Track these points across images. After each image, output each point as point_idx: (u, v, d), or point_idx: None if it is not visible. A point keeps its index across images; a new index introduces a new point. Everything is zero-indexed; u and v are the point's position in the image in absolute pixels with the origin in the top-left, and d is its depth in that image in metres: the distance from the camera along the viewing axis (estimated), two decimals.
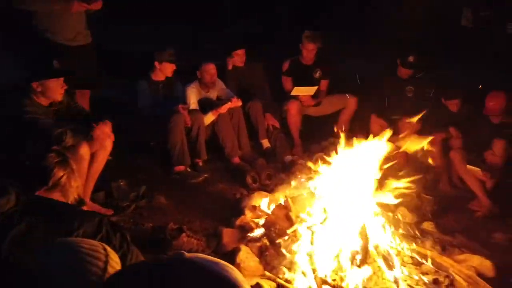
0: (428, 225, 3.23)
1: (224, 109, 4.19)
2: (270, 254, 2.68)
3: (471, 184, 3.84)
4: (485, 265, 2.69)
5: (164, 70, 4.10)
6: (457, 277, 2.50)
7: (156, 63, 4.08)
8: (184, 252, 0.57)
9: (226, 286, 0.50)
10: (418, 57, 4.41)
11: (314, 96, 4.74)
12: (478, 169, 3.72)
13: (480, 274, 2.65)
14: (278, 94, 4.86)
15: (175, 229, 2.86)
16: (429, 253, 2.69)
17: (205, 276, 0.50)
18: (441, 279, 2.59)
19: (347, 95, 4.70)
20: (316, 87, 4.65)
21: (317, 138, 4.67)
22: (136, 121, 3.94)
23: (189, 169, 4.02)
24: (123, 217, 3.22)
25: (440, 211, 3.66)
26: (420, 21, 4.43)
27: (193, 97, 4.25)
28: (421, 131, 4.38)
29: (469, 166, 3.79)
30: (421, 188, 3.91)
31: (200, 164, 4.14)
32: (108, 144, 3.08)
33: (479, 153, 3.85)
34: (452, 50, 4.61)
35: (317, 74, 4.74)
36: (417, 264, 2.73)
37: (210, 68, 4.30)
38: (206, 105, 4.31)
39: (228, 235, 2.87)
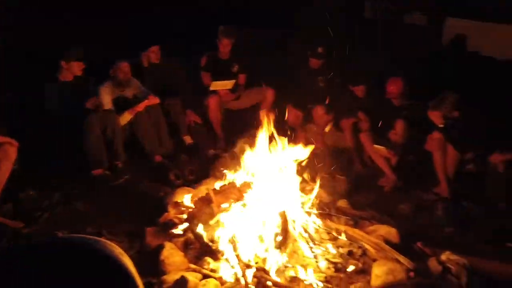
0: (342, 203, 3.48)
1: (141, 107, 4.10)
2: (195, 247, 2.71)
3: (379, 162, 4.20)
4: (391, 233, 2.98)
5: (72, 69, 3.90)
6: (367, 246, 2.75)
7: (63, 63, 3.87)
8: (59, 233, 0.58)
9: (99, 258, 0.53)
10: (326, 47, 4.69)
11: (234, 90, 4.82)
12: (383, 147, 4.08)
13: (387, 241, 2.93)
14: (203, 89, 4.86)
15: (93, 234, 2.76)
16: (343, 228, 2.91)
17: (77, 251, 0.52)
18: (355, 250, 2.83)
19: (264, 87, 4.86)
20: (233, 81, 4.74)
21: (240, 131, 4.77)
22: (44, 125, 3.71)
23: (107, 172, 3.88)
24: (36, 228, 3.03)
25: (353, 189, 3.97)
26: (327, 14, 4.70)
27: (106, 97, 4.09)
28: (334, 118, 4.71)
29: (375, 146, 4.14)
30: (336, 169, 4.23)
31: (120, 165, 4.02)
32: (11, 152, 2.87)
33: (383, 133, 4.23)
34: (357, 41, 4.96)
35: (235, 69, 4.83)
36: (333, 239, 2.95)
37: (124, 66, 4.18)
38: (121, 105, 4.18)
39: (151, 234, 2.84)
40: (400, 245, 2.93)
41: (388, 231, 3.01)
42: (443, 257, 2.66)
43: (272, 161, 2.94)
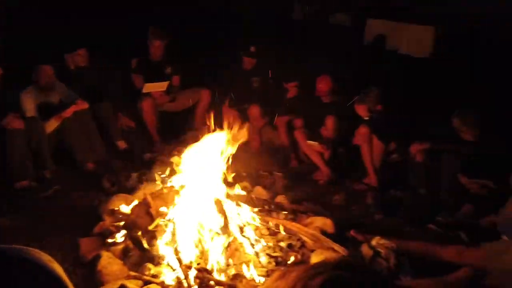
0: (280, 198, 3.59)
1: (68, 113, 3.89)
2: (134, 254, 2.64)
3: (313, 157, 4.39)
4: (327, 223, 3.13)
5: None
6: (304, 238, 2.87)
7: None
8: None
9: (26, 265, 0.52)
10: (258, 47, 4.79)
11: (168, 92, 4.75)
12: (316, 143, 4.27)
13: (323, 232, 3.08)
14: (136, 92, 4.71)
15: None
16: (281, 222, 3.00)
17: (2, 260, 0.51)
18: (294, 243, 2.94)
19: (200, 88, 4.85)
20: (167, 83, 4.67)
21: (176, 133, 4.72)
22: None
23: (34, 183, 3.63)
24: None
25: (291, 184, 4.12)
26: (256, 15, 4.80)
27: (29, 103, 3.83)
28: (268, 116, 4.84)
29: (309, 142, 4.32)
30: (274, 167, 4.35)
31: (48, 175, 3.78)
32: None
33: (315, 129, 4.43)
34: (286, 41, 5.13)
35: (168, 70, 4.76)
36: (273, 234, 3.04)
37: (46, 70, 3.93)
38: (47, 111, 3.93)
39: (86, 245, 2.72)
40: (335, 234, 3.09)
41: (324, 222, 3.16)
42: (374, 242, 2.85)
43: (209, 162, 2.95)
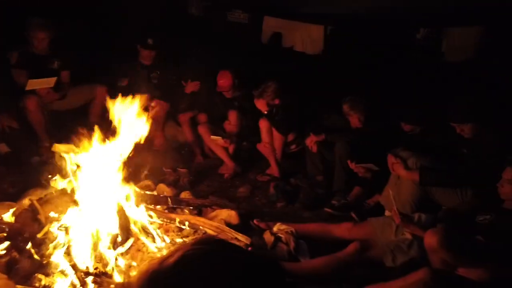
0: (185, 194, 3.56)
1: None
2: (22, 266, 2.40)
3: (217, 151, 4.44)
4: (231, 215, 3.20)
5: None
6: (209, 231, 2.89)
7: None
8: None
9: None
10: (156, 38, 4.64)
11: (57, 89, 4.37)
12: (220, 138, 4.32)
13: (228, 224, 3.14)
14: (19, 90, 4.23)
15: None
16: (185, 218, 2.99)
17: None
18: (199, 237, 2.95)
19: (94, 85, 4.55)
20: (54, 79, 4.28)
21: (69, 133, 4.36)
22: None
23: None
24: None
25: (196, 180, 4.12)
26: (149, 9, 4.65)
27: None
28: (173, 113, 4.76)
29: (213, 137, 4.36)
30: (178, 163, 4.30)
31: None
32: None
33: (219, 124, 4.49)
34: (184, 36, 5.07)
35: (55, 65, 4.38)
36: (179, 230, 3.01)
37: None
38: None
39: None
40: (240, 225, 3.18)
41: (228, 214, 3.22)
42: (275, 228, 2.99)
43: (106, 161, 2.80)
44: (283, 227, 2.99)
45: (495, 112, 3.02)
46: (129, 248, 2.62)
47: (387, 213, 3.21)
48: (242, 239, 2.81)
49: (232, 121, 4.44)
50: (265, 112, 4.14)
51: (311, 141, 3.93)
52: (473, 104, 2.88)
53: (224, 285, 0.67)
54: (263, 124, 4.23)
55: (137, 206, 2.81)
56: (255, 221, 3.18)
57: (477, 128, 2.87)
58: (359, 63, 5.13)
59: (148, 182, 3.57)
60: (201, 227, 2.93)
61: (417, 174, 3.00)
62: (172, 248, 2.55)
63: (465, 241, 2.30)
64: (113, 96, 2.79)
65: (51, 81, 4.24)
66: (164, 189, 3.53)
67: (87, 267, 2.35)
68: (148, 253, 2.70)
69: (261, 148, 4.32)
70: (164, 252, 2.68)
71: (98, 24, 4.73)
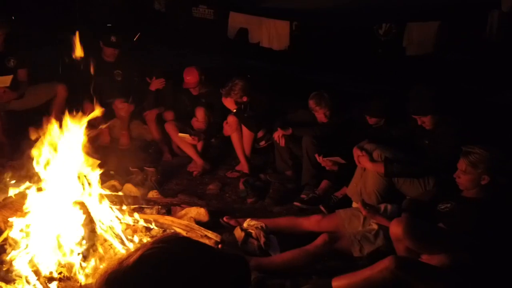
0: (153, 194, 3.51)
1: None
2: None
3: (186, 149, 4.39)
4: (201, 213, 3.18)
5: None
6: (178, 230, 2.85)
7: None
8: None
9: None
10: (120, 36, 4.52)
11: (14, 88, 4.17)
12: (188, 135, 4.27)
13: (198, 221, 3.11)
14: None
15: None
16: (153, 217, 2.94)
17: None
18: None
19: (54, 83, 4.38)
20: (10, 77, 4.09)
21: (27, 134, 4.18)
22: None
23: None
24: None
25: (164, 179, 4.05)
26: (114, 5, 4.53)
27: None
28: (139, 111, 4.65)
29: (180, 134, 4.30)
30: (145, 162, 4.21)
31: None
32: None
33: (186, 121, 4.43)
34: (150, 32, 4.98)
35: (11, 63, 4.18)
36: (147, 230, 2.95)
37: None
38: None
39: None
40: (209, 222, 3.16)
41: (197, 212, 3.20)
42: (245, 224, 3.00)
43: (68, 163, 2.70)
44: (253, 222, 3.00)
45: (453, 104, 3.14)
46: (95, 251, 2.55)
47: (354, 204, 3.29)
48: (212, 236, 2.79)
49: (199, 118, 4.39)
50: (234, 110, 4.12)
51: (278, 136, 3.95)
52: (432, 97, 2.98)
53: (184, 282, 0.66)
54: (232, 121, 4.21)
55: (103, 207, 2.73)
56: (224, 219, 3.17)
57: (436, 119, 2.98)
58: (324, 59, 5.21)
59: (114, 182, 3.49)
60: (170, 226, 2.88)
61: (382, 166, 3.08)
62: (132, 248, 2.51)
63: (427, 229, 2.39)
64: (73, 95, 2.70)
65: (7, 80, 4.04)
66: (131, 189, 3.46)
67: (50, 272, 2.26)
68: (116, 255, 2.63)
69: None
70: None
71: (58, 20, 4.56)
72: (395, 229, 2.33)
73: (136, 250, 0.72)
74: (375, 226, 2.73)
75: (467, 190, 2.48)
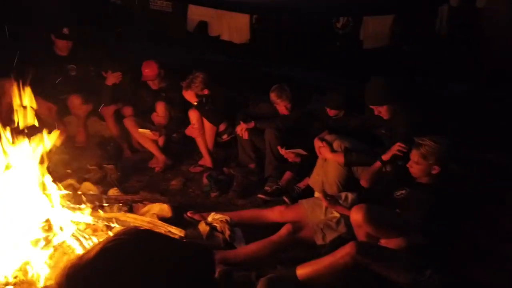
0: (113, 191, 3.41)
1: None
2: None
3: (147, 145, 4.29)
4: (164, 209, 3.13)
5: None
6: (141, 227, 2.80)
7: None
8: None
9: None
10: (73, 28, 4.33)
11: None
12: (148, 130, 4.18)
13: (161, 218, 3.07)
14: None
15: None
16: (114, 215, 2.86)
17: None
18: None
19: (2, 79, 4.12)
20: None
21: None
22: None
23: None
24: None
25: (125, 175, 3.95)
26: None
27: None
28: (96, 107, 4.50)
29: (140, 130, 4.20)
30: (104, 160, 4.09)
31: None
32: None
33: (146, 117, 4.34)
34: (104, 25, 4.81)
35: None
36: (108, 229, 2.87)
37: None
38: None
39: None
40: (173, 218, 3.13)
41: (161, 208, 3.15)
42: (209, 218, 2.98)
43: (20, 163, 2.57)
44: (218, 216, 2.99)
45: (407, 95, 3.28)
46: (53, 252, 2.45)
47: (316, 194, 3.36)
48: (176, 232, 2.76)
49: (160, 112, 4.31)
50: (195, 103, 4.08)
51: (241, 129, 3.95)
52: (388, 88, 3.09)
53: (146, 273, 0.65)
54: (193, 115, 4.17)
55: (60, 206, 2.63)
56: (188, 214, 3.14)
57: (392, 109, 3.10)
58: (284, 52, 5.26)
59: (71, 181, 3.36)
60: (132, 223, 2.82)
61: (341, 156, 3.16)
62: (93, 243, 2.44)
63: (385, 215, 2.48)
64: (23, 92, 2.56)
65: None
66: (90, 188, 3.35)
67: (5, 277, 2.16)
68: (75, 255, 2.55)
69: (190, 131, 4.23)
70: None
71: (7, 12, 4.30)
72: (356, 216, 2.41)
73: (97, 244, 0.70)
74: (336, 214, 2.80)
75: (420, 178, 2.61)
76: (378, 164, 2.96)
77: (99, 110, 4.41)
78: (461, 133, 3.67)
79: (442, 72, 5.22)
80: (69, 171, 3.57)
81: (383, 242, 2.34)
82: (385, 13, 5.20)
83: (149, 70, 4.26)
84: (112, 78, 4.35)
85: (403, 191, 2.61)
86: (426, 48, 5.29)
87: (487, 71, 4.29)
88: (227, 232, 2.87)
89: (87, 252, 0.67)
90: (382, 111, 3.12)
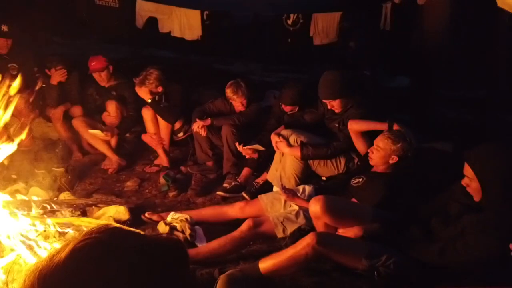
0: (65, 196, 3.27)
1: None
2: None
3: (98, 146, 4.13)
4: (120, 211, 3.05)
5: None
6: None
7: None
8: None
9: None
10: (13, 25, 4.07)
11: None
12: (99, 131, 4.02)
13: (118, 220, 2.98)
14: None
15: None
16: (66, 220, 2.74)
17: None
18: None
19: None
20: None
21: None
22: None
23: None
24: None
25: (76, 179, 3.79)
26: None
27: None
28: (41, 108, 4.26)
29: (90, 131, 4.03)
30: (53, 163, 3.89)
31: None
32: None
33: (97, 117, 4.17)
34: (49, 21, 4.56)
35: None
36: (62, 234, 2.74)
37: None
38: None
39: None
40: (131, 220, 3.05)
41: (117, 210, 3.06)
42: (168, 218, 2.94)
43: None
44: (177, 215, 2.96)
45: (358, 89, 3.41)
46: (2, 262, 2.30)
47: (275, 189, 3.41)
48: None
49: (111, 112, 4.16)
50: (148, 101, 3.97)
51: (198, 126, 3.91)
52: (340, 82, 3.20)
53: (122, 271, 0.64)
54: (147, 113, 4.07)
55: (6, 215, 2.47)
56: (146, 215, 3.08)
57: (345, 103, 3.21)
58: (236, 48, 5.27)
59: (17, 187, 3.17)
60: (87, 228, 2.71)
61: (298, 150, 3.23)
62: (61, 243, 2.33)
63: (342, 205, 2.58)
64: None
65: None
66: (39, 193, 3.19)
67: None
68: (26, 264, 2.41)
69: (147, 139, 4.15)
70: None
71: None
72: (314, 207, 2.48)
73: (66, 244, 0.67)
74: (295, 207, 2.87)
75: (377, 167, 2.74)
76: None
77: (45, 111, 4.17)
78: (407, 123, 3.89)
79: (387, 66, 5.48)
80: (14, 176, 3.36)
81: (341, 231, 2.42)
82: (333, 10, 5.36)
83: (97, 63, 4.09)
84: (57, 76, 4.13)
85: (360, 179, 2.73)
86: (372, 43, 5.53)
87: (426, 65, 4.55)
88: (188, 231, 2.85)
89: (57, 252, 0.65)
90: (335, 105, 3.23)
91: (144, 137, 4.17)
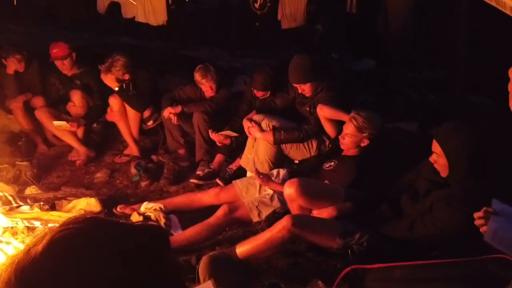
0: (31, 190, 3.16)
1: None
2: None
3: (64, 137, 3.99)
4: (91, 203, 2.97)
5: None
6: None
7: None
8: None
9: None
10: None
11: None
12: (64, 122, 3.87)
13: (90, 213, 2.91)
14: None
15: None
16: (35, 215, 2.66)
17: None
18: None
19: None
20: None
21: None
22: None
23: None
24: None
25: (42, 172, 3.65)
26: None
27: None
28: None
29: (55, 122, 3.88)
30: (16, 156, 3.73)
31: None
32: None
33: (61, 107, 4.02)
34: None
35: None
36: (31, 229, 2.66)
37: None
38: None
39: None
40: (103, 211, 2.99)
41: (88, 202, 2.99)
42: (142, 208, 2.90)
43: None
44: (151, 205, 2.92)
45: (327, 72, 3.45)
46: None
47: (249, 174, 3.42)
48: None
49: (76, 102, 4.01)
50: (116, 89, 3.86)
51: (168, 114, 3.84)
52: (309, 66, 3.22)
53: (103, 261, 0.63)
54: (114, 102, 3.95)
55: None
56: (118, 209, 3.02)
57: (315, 86, 3.24)
58: (203, 33, 5.18)
59: None
60: (57, 222, 2.64)
61: (270, 134, 3.25)
62: (37, 235, 2.26)
63: (316, 187, 2.63)
64: None
65: None
66: (3, 188, 3.05)
67: None
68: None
69: (110, 116, 3.99)
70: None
71: None
72: (288, 191, 2.51)
73: (43, 236, 0.65)
74: (270, 191, 2.90)
75: (347, 150, 2.80)
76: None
77: (4, 102, 3.97)
78: (373, 104, 4.00)
79: (353, 49, 5.56)
80: None
81: (315, 213, 2.48)
82: None
83: (58, 50, 3.92)
84: (12, 65, 3.92)
85: (332, 163, 2.79)
86: (339, 26, 5.58)
87: (390, 47, 4.65)
88: (163, 220, 2.82)
89: (34, 245, 0.62)
90: (305, 88, 3.25)
91: (107, 116, 4.03)
